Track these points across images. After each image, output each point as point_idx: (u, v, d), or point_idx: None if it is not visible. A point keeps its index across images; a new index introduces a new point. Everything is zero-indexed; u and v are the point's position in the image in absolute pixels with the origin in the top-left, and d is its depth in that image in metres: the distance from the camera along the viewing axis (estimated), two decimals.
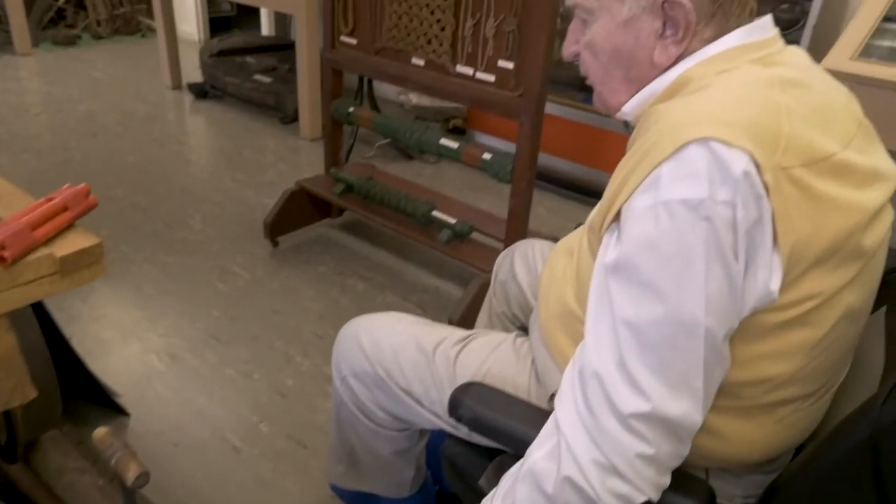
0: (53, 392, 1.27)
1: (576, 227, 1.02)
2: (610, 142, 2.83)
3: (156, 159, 3.10)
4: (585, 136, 2.73)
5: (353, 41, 2.16)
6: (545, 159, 2.68)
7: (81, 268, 0.90)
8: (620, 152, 0.76)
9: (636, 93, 0.80)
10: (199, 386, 1.75)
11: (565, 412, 0.71)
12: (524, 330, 1.29)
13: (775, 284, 0.65)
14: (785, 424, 0.77)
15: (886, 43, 1.90)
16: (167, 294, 2.12)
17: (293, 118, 3.57)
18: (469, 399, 0.89)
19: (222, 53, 3.94)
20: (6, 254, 0.82)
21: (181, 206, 2.66)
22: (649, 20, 0.75)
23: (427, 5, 1.91)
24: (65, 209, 0.93)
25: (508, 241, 1.96)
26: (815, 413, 0.80)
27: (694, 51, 0.75)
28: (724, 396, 0.72)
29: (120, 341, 1.90)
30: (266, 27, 4.84)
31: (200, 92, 3.94)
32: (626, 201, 0.68)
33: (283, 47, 4.13)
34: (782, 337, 0.70)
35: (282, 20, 4.73)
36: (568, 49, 0.85)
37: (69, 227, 0.93)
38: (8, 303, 0.84)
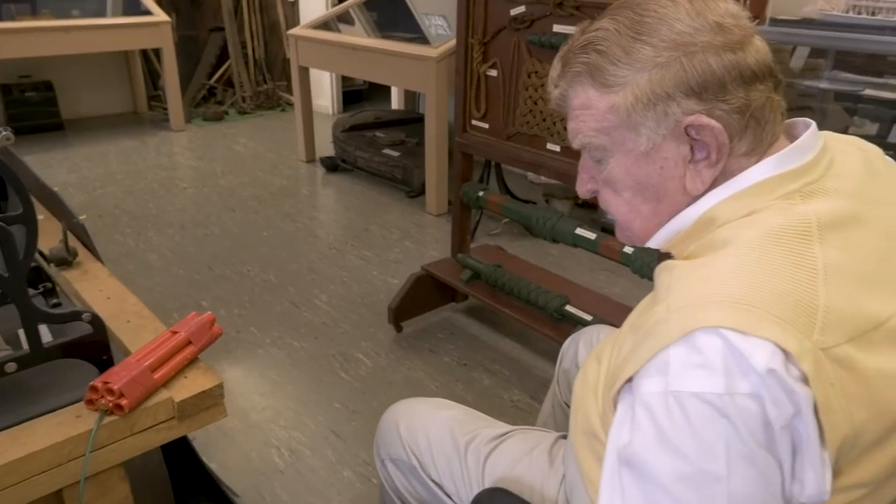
0: None
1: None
2: None
3: (287, 234, 3.17)
4: None
5: (486, 125, 2.10)
6: None
7: (200, 410, 0.83)
8: None
9: (666, 222, 0.70)
10: (318, 489, 1.67)
11: None
12: None
13: (828, 483, 0.55)
14: None
15: None
16: (291, 381, 2.09)
17: (420, 192, 3.57)
18: None
19: (353, 128, 4.06)
20: (124, 402, 0.76)
21: (309, 286, 2.68)
22: (674, 146, 0.66)
23: None
24: (188, 343, 0.87)
25: None
26: None
27: (733, 172, 0.66)
28: None
29: (243, 432, 1.87)
30: (396, 101, 4.97)
31: (332, 165, 4.05)
32: (636, 372, 0.60)
33: (411, 121, 4.20)
34: None
35: (411, 94, 4.84)
36: (584, 187, 0.77)
37: (192, 361, 0.88)
38: (123, 452, 0.78)
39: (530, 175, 3.71)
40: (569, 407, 1.21)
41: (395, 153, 3.75)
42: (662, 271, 0.66)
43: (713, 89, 0.63)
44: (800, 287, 0.55)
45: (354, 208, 3.55)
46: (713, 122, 0.63)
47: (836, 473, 0.56)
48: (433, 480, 1.01)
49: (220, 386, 0.84)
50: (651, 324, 0.60)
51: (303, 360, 2.20)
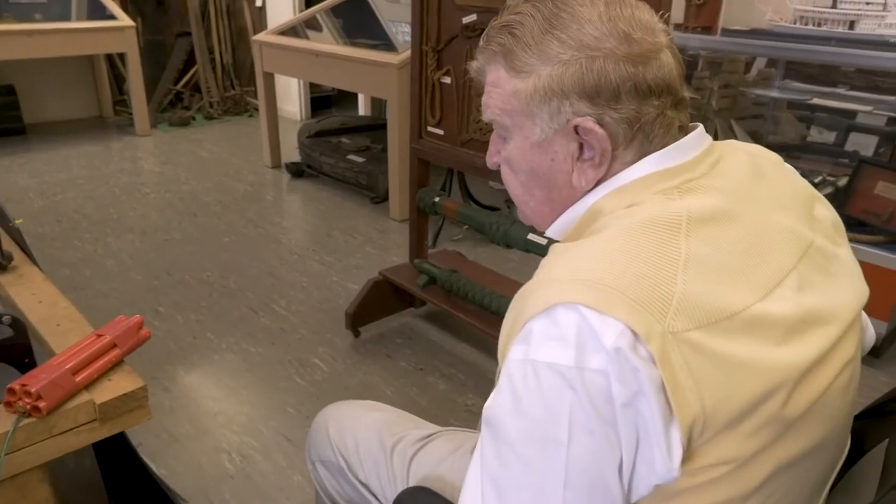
0: None
1: None
2: None
3: (249, 240, 3.16)
4: None
5: (440, 132, 2.12)
6: None
7: (123, 412, 0.84)
8: None
9: (561, 214, 0.74)
10: (268, 494, 1.67)
11: None
12: None
13: (676, 462, 0.57)
14: None
15: None
16: (246, 387, 2.08)
17: (384, 198, 3.59)
18: None
19: (319, 134, 4.06)
20: (42, 405, 0.76)
21: (268, 291, 2.67)
22: (564, 142, 0.69)
23: None
24: (113, 346, 0.87)
25: None
26: None
27: (616, 173, 0.68)
28: None
29: (194, 437, 1.87)
30: (363, 107, 4.98)
31: (297, 171, 4.05)
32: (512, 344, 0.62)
33: (376, 127, 4.21)
34: (699, 498, 0.60)
35: (377, 100, 4.86)
36: (490, 159, 0.79)
37: (117, 364, 0.88)
38: (42, 455, 0.78)
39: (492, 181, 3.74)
40: None
41: (359, 159, 3.76)
42: (548, 253, 0.69)
43: (606, 96, 0.65)
44: (659, 274, 0.58)
45: (318, 214, 3.55)
46: (598, 129, 0.65)
47: (693, 454, 0.57)
48: (360, 481, 1.02)
49: (144, 388, 0.85)
50: (524, 298, 0.63)
51: (258, 366, 2.19)
